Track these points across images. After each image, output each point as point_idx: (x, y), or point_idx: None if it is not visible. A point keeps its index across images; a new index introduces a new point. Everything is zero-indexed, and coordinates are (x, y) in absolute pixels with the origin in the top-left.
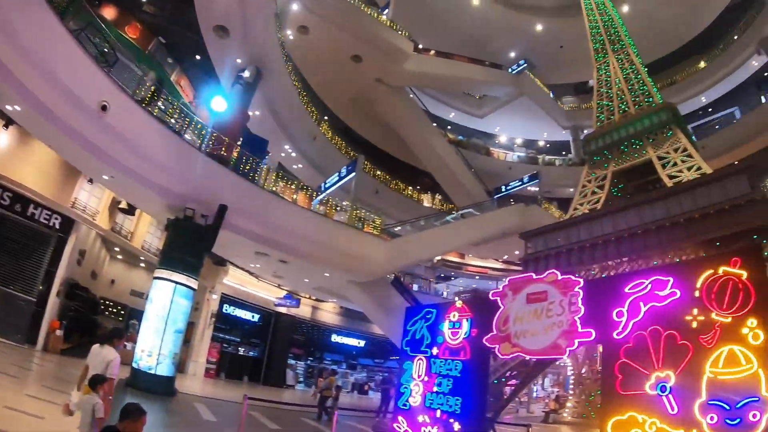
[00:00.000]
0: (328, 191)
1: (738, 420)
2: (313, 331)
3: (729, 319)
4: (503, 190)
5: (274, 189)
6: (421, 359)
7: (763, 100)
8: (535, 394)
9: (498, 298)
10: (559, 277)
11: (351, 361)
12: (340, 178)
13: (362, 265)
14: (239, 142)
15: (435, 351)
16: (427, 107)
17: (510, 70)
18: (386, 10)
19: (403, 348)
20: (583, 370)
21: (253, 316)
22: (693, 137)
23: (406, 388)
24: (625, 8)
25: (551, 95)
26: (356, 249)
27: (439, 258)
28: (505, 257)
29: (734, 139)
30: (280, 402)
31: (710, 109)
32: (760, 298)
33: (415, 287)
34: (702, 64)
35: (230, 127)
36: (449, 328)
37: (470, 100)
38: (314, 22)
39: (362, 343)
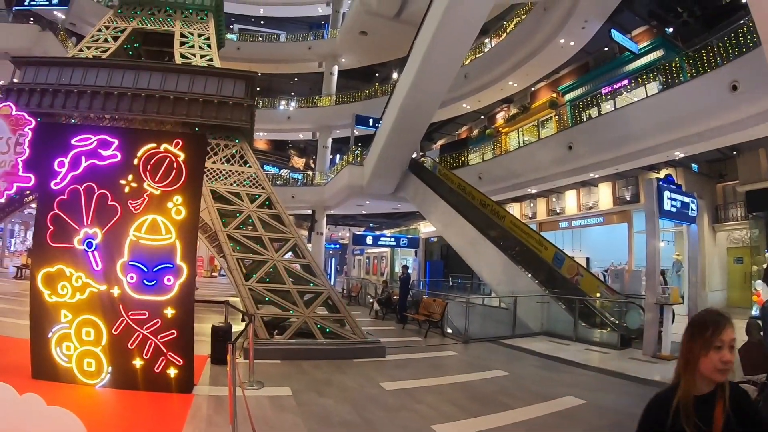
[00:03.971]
0: None
1: (154, 282)
2: None
3: (158, 192)
4: (26, 3)
5: None
6: None
7: (310, 38)
8: (14, 248)
9: None
10: (13, 112)
11: None
12: None
13: None
14: None
15: None
16: None
17: None
18: None
19: None
20: (32, 223)
21: None
22: (234, 36)
23: None
24: None
25: None
26: None
27: None
28: (2, 82)
29: (264, 56)
30: None
31: (262, 22)
32: (190, 180)
33: None
34: None
35: None
36: None
37: None
38: None
39: None
